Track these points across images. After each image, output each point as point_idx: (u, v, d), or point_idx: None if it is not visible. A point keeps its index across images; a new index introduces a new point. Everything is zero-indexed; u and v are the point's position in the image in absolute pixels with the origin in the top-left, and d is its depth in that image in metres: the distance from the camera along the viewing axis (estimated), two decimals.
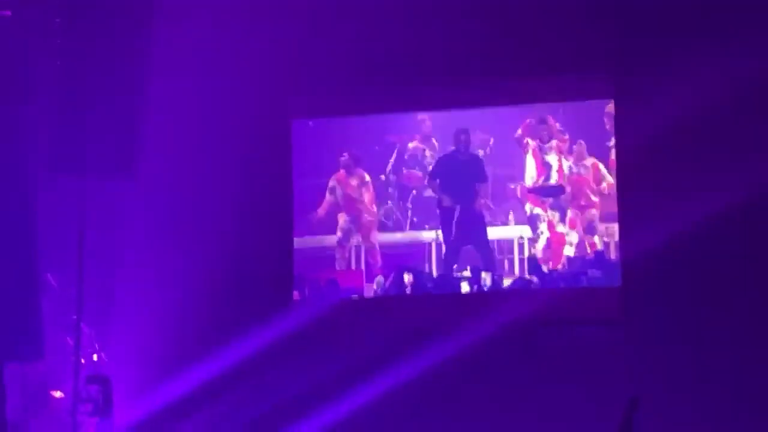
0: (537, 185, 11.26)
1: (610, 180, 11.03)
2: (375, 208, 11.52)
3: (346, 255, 11.50)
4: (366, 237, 11.50)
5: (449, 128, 11.47)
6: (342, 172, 11.55)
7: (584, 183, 11.16)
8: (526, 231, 11.22)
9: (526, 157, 11.27)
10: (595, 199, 11.09)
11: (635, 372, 10.35)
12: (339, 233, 11.50)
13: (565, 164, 11.20)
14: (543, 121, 11.26)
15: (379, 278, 11.39)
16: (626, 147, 10.77)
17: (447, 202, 11.29)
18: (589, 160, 11.15)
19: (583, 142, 11.18)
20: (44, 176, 9.93)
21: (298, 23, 11.18)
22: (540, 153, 11.25)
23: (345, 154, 11.57)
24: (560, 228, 11.15)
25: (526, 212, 11.27)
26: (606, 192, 11.04)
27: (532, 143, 11.26)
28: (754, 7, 10.33)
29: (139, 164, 9.84)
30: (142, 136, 9.83)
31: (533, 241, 11.20)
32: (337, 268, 11.47)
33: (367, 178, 11.54)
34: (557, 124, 11.19)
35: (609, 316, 10.64)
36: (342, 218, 11.53)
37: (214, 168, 11.31)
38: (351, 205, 11.55)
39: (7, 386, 9.71)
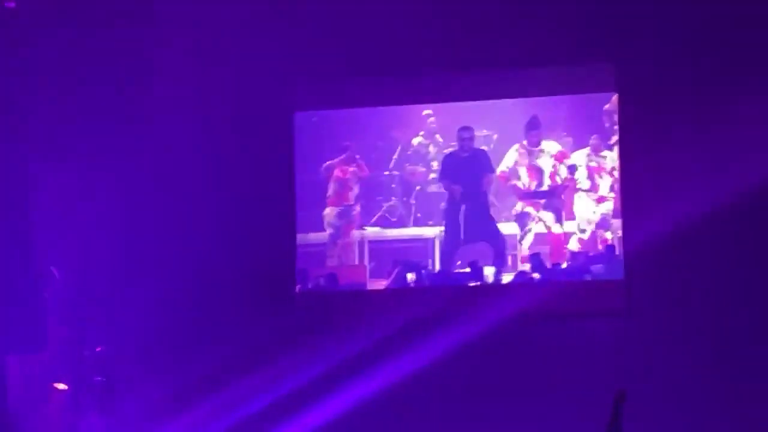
0: (529, 191, 11.27)
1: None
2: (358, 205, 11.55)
3: (338, 251, 11.51)
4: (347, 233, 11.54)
5: (453, 124, 11.47)
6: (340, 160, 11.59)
7: (598, 172, 11.15)
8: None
9: (508, 152, 11.29)
10: (610, 193, 11.07)
11: (637, 363, 10.38)
12: (329, 229, 11.54)
13: (562, 169, 11.18)
14: (534, 126, 11.24)
15: None
16: (629, 140, 10.77)
17: (458, 195, 11.31)
18: (606, 153, 11.14)
19: (596, 135, 11.16)
20: (48, 170, 10.03)
21: (303, 15, 11.20)
22: (529, 156, 11.24)
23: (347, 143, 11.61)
24: (556, 229, 11.14)
25: (517, 210, 11.27)
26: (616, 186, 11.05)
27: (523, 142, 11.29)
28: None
29: (143, 155, 9.89)
30: (145, 126, 9.89)
31: (520, 239, 11.21)
32: (329, 264, 11.50)
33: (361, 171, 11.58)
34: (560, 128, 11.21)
35: (612, 308, 10.64)
36: (331, 212, 11.57)
37: (217, 160, 11.32)
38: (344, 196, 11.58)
39: (9, 378, 9.79)
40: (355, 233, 11.53)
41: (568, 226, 11.12)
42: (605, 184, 11.07)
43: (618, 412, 7.41)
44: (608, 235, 11.01)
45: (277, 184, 11.38)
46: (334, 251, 11.50)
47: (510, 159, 11.27)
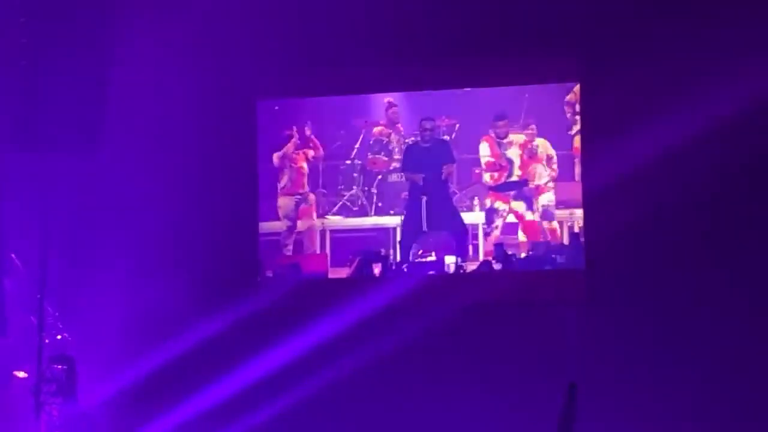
0: (499, 183, 11.31)
1: (552, 152, 11.10)
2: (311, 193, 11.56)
3: (296, 240, 11.51)
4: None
5: (415, 113, 11.52)
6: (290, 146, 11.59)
7: (535, 163, 11.22)
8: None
9: (480, 144, 11.33)
10: (550, 184, 11.14)
11: (598, 352, 10.45)
12: (285, 220, 11.52)
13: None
14: (501, 117, 11.29)
15: None
16: (590, 130, 10.83)
17: (420, 185, 11.33)
18: (538, 141, 11.21)
19: (533, 126, 11.24)
20: (7, 154, 9.94)
21: (265, 2, 11.18)
22: (498, 148, 11.29)
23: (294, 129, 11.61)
24: (530, 216, 11.19)
25: (485, 205, 11.31)
26: (555, 167, 11.11)
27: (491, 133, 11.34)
28: None
29: (104, 142, 9.82)
30: (107, 113, 9.81)
31: (486, 234, 11.26)
32: (287, 253, 11.49)
33: (311, 154, 11.58)
34: (522, 118, 11.24)
35: (573, 298, 10.70)
36: (286, 202, 11.55)
37: (179, 149, 11.28)
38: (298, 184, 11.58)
39: None
40: (316, 222, 11.53)
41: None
42: (543, 174, 11.16)
43: (571, 405, 7.44)
44: (554, 224, 11.09)
45: (240, 173, 11.37)
46: (291, 240, 11.50)
47: (483, 152, 11.31)
